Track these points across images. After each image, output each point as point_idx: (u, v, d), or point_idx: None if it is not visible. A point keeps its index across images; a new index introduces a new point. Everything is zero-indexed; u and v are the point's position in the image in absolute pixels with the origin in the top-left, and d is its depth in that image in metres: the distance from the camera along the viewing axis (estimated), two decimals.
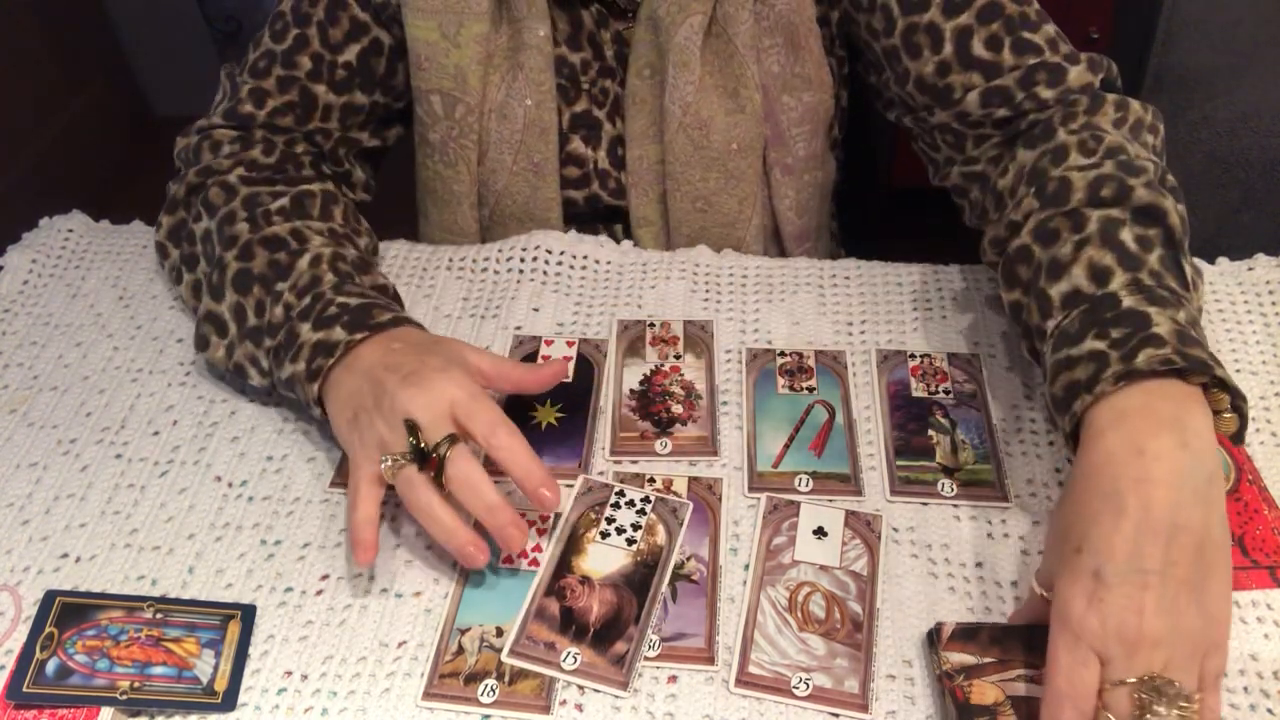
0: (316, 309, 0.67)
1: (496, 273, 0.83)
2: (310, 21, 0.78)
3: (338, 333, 0.65)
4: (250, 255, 0.71)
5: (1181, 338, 0.54)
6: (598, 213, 0.88)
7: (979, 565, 0.62)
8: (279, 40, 0.79)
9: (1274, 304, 0.78)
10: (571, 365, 0.75)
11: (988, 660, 0.54)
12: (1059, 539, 0.53)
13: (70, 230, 0.89)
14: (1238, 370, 0.73)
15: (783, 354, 0.75)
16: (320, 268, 0.69)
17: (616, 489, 0.66)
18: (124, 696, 0.55)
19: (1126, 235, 0.61)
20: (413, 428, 0.59)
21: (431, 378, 0.61)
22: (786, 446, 0.69)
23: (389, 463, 0.59)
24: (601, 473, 0.68)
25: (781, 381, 0.73)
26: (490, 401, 0.61)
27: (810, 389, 0.73)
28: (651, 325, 0.77)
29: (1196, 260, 0.81)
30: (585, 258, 0.83)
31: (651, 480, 0.67)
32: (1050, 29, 0.72)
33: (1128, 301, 0.58)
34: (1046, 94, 0.70)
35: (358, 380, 0.63)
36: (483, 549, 0.58)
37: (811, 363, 0.74)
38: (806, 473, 0.67)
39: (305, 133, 0.81)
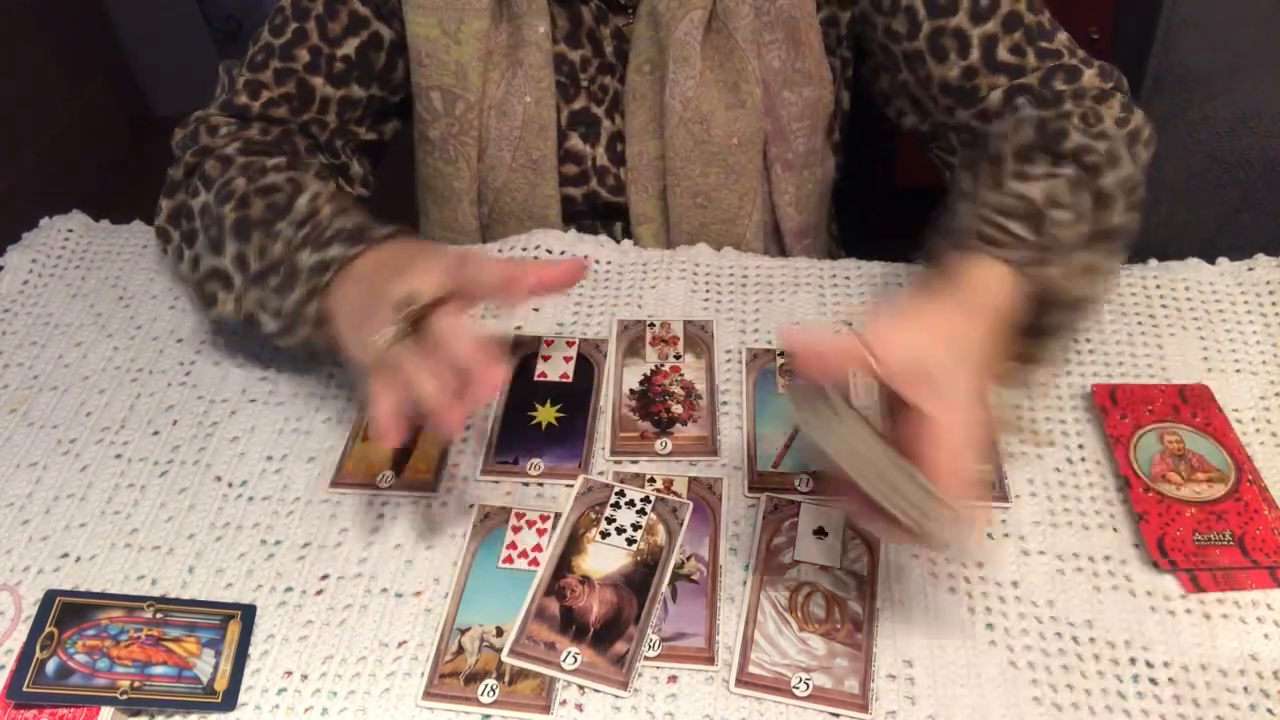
0: (314, 235, 0.66)
1: None
2: (309, 16, 0.79)
3: (334, 250, 0.64)
4: (247, 204, 0.70)
5: (1069, 276, 0.63)
6: (596, 210, 0.88)
7: (979, 565, 0.62)
8: (278, 35, 0.79)
9: (1274, 304, 0.78)
10: (572, 365, 0.75)
11: None
12: (953, 346, 0.55)
13: (70, 230, 0.89)
14: (1238, 370, 0.73)
15: (782, 354, 0.75)
16: (318, 202, 0.69)
17: (616, 489, 0.66)
18: (124, 696, 0.55)
19: (1084, 200, 0.66)
20: (400, 305, 0.57)
21: (421, 262, 0.59)
22: (786, 446, 0.69)
23: (377, 342, 0.56)
24: (601, 473, 0.68)
25: (781, 381, 0.73)
26: (477, 254, 0.59)
27: None
28: (651, 325, 0.77)
29: (1188, 261, 0.81)
30: (585, 257, 0.83)
31: (651, 480, 0.67)
32: (1063, 36, 0.76)
33: (1064, 235, 0.63)
34: (1063, 88, 0.74)
35: (357, 288, 0.62)
36: (457, 411, 0.55)
37: None
38: (806, 473, 0.67)
39: (300, 124, 0.81)
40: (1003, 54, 0.75)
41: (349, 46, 0.80)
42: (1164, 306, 0.78)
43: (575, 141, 0.84)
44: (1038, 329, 0.63)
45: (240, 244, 0.70)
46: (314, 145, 0.82)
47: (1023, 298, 0.61)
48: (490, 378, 0.55)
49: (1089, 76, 0.74)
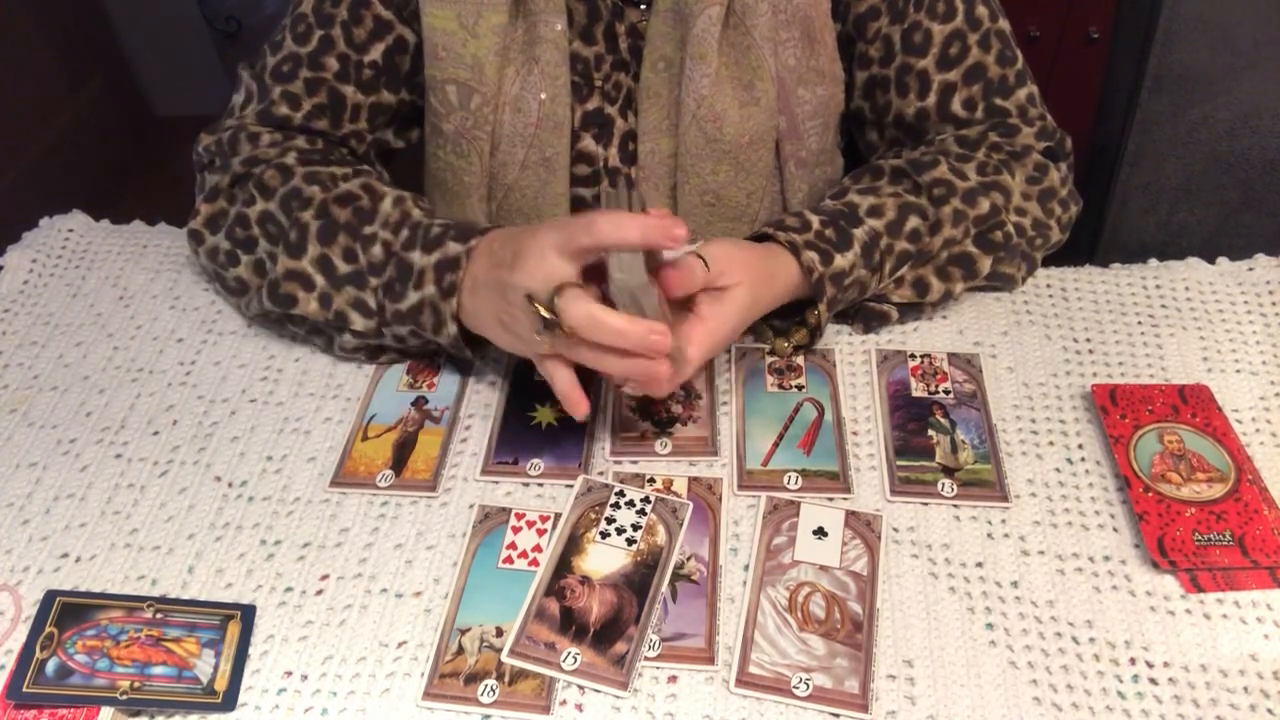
0: (419, 235, 0.69)
1: None
2: (334, 22, 0.79)
3: (452, 247, 0.68)
4: (328, 211, 0.73)
5: (840, 279, 0.71)
6: None
7: (979, 565, 0.62)
8: (302, 43, 0.79)
9: (1274, 304, 0.78)
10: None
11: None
12: (747, 268, 0.67)
13: (70, 230, 0.89)
14: (1238, 370, 0.73)
15: (772, 351, 0.75)
16: (405, 205, 0.73)
17: (616, 489, 0.66)
18: (124, 696, 0.55)
19: (911, 220, 0.73)
20: (531, 299, 0.60)
21: (528, 245, 0.62)
22: (775, 445, 0.69)
23: (540, 340, 0.61)
24: (601, 473, 0.68)
25: (770, 380, 0.73)
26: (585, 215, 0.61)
27: (799, 387, 0.73)
28: None
29: (1188, 261, 0.81)
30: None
31: (651, 480, 0.67)
32: (1023, 93, 0.80)
33: (877, 244, 0.72)
34: (996, 139, 0.78)
35: (485, 294, 0.66)
36: (666, 334, 0.59)
37: (800, 360, 0.74)
38: (795, 470, 0.67)
39: (340, 137, 0.82)
40: (955, 106, 0.79)
41: (375, 52, 0.80)
42: (1164, 306, 0.78)
43: (588, 142, 0.84)
44: (843, 310, 0.75)
45: (324, 248, 0.72)
46: (354, 156, 0.83)
47: (802, 276, 0.70)
48: (652, 343, 0.58)
49: (1024, 134, 0.78)
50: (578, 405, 0.64)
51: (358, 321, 0.72)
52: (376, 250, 0.70)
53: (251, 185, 0.76)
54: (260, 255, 0.75)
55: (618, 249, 0.58)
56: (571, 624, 0.59)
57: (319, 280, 0.72)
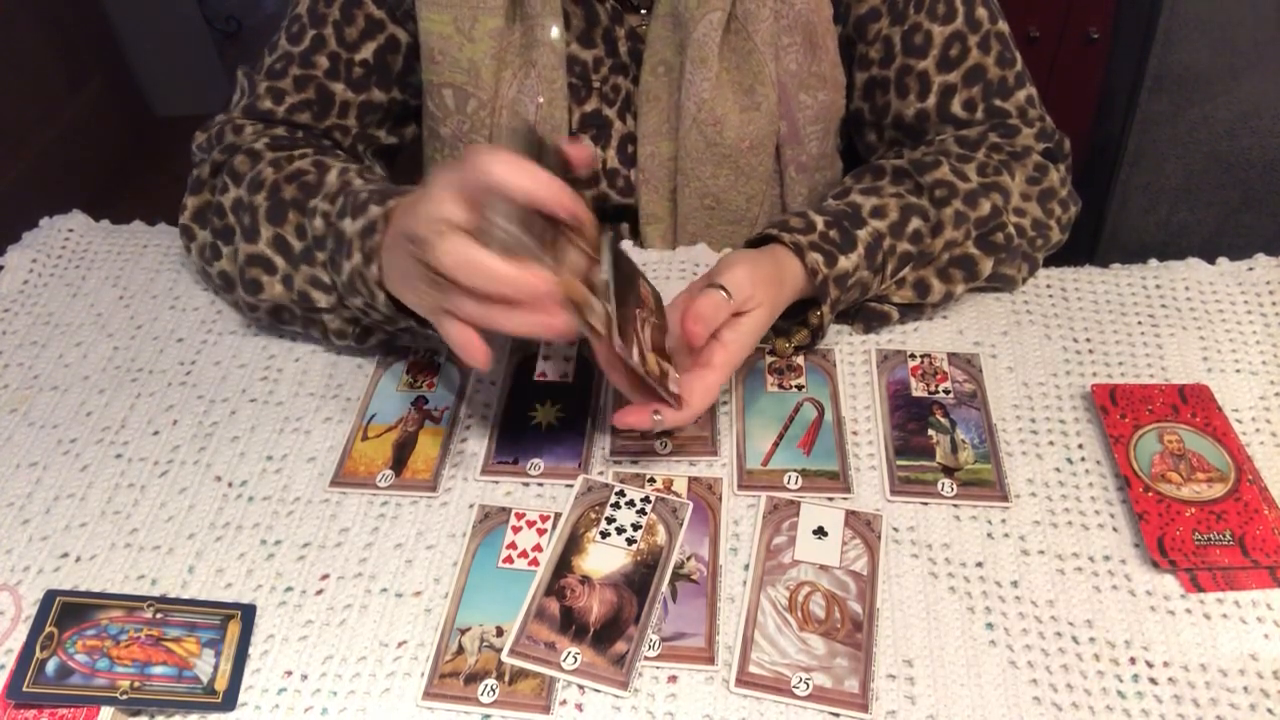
0: (349, 202, 0.67)
1: None
2: (326, 21, 0.79)
3: (373, 210, 0.64)
4: (278, 190, 0.72)
5: (843, 280, 0.71)
6: (606, 212, 0.88)
7: (979, 565, 0.62)
8: (295, 42, 0.80)
9: (1274, 304, 0.78)
10: (572, 365, 0.75)
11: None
12: (766, 287, 0.66)
13: (70, 230, 0.89)
14: (1238, 370, 0.73)
15: (773, 351, 0.75)
16: (349, 175, 0.72)
17: (616, 489, 0.66)
18: (124, 696, 0.55)
19: (913, 221, 0.73)
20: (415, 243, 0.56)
21: (424, 189, 0.57)
22: (775, 444, 0.69)
23: (428, 292, 0.56)
24: (601, 473, 0.68)
25: (770, 380, 0.73)
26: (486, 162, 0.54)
27: (799, 387, 0.73)
28: None
29: (1188, 261, 0.81)
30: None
31: (651, 480, 0.67)
32: (1023, 95, 0.80)
33: (876, 242, 0.72)
34: (996, 140, 0.79)
35: (396, 251, 0.61)
36: (547, 278, 0.53)
37: (800, 360, 0.74)
38: (795, 470, 0.67)
39: (324, 129, 0.82)
40: (955, 107, 0.79)
41: (367, 51, 0.80)
42: (1164, 306, 0.78)
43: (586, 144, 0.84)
44: (843, 310, 0.75)
45: (276, 227, 0.71)
46: (337, 149, 0.83)
47: (806, 278, 0.70)
48: (530, 285, 0.53)
49: (1024, 136, 0.78)
50: (476, 353, 0.56)
51: (321, 299, 0.71)
52: (318, 223, 0.70)
53: (225, 173, 0.76)
54: (236, 245, 0.75)
55: (504, 194, 0.53)
56: (571, 624, 0.59)
57: (279, 261, 0.72)
